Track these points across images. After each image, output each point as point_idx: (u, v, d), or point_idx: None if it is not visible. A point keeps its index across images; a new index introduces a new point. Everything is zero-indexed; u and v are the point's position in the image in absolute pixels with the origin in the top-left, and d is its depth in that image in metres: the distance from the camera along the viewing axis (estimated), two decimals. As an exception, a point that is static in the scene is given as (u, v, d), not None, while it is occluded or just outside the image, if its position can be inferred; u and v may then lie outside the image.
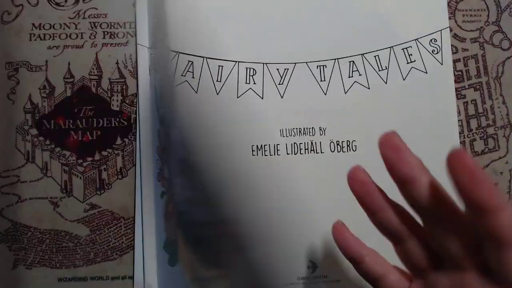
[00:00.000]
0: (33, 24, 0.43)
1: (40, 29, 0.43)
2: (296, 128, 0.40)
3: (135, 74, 0.43)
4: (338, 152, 0.39)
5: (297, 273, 0.38)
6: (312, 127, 0.40)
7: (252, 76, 0.40)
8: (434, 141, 0.41)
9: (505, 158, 0.46)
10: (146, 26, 0.41)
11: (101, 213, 0.41)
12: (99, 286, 0.40)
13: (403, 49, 0.42)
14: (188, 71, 0.39)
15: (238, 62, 0.40)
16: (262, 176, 0.38)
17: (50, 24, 0.43)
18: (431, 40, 0.43)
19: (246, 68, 0.40)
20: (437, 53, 0.42)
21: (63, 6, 0.43)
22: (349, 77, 0.41)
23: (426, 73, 0.42)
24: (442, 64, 0.42)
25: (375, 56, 0.41)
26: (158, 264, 0.39)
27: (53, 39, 0.43)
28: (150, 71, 0.40)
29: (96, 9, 0.43)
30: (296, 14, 0.41)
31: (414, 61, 0.42)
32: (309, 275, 0.38)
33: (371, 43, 0.42)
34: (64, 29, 0.43)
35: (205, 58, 0.39)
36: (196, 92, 0.39)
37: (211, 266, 0.38)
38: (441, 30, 0.43)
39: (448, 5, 0.45)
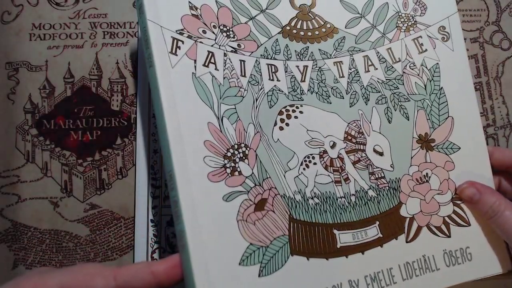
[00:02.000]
0: (33, 24, 0.43)
1: (40, 29, 0.43)
2: None
3: (135, 74, 0.43)
4: None
5: None
6: None
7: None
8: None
9: (505, 158, 0.46)
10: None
11: (101, 213, 0.41)
12: (99, 286, 0.40)
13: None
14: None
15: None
16: None
17: (50, 24, 0.43)
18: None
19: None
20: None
21: (63, 6, 0.43)
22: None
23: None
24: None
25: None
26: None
27: (53, 39, 0.43)
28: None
29: (96, 9, 0.43)
30: None
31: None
32: None
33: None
34: (64, 29, 0.43)
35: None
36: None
37: None
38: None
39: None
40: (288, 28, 0.41)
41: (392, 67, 0.42)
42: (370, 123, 0.40)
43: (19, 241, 0.41)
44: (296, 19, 0.41)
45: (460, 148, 0.41)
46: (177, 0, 0.37)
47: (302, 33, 0.41)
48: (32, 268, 0.40)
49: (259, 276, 0.32)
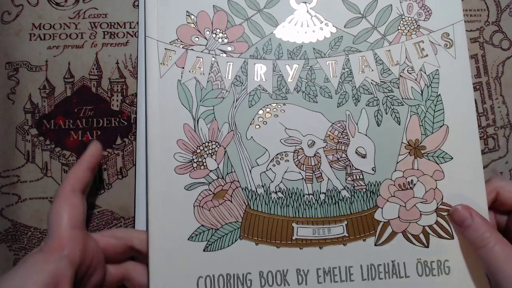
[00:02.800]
0: (33, 24, 0.43)
1: (40, 29, 0.43)
2: None
3: (135, 74, 0.43)
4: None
5: None
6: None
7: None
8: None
9: (505, 158, 0.46)
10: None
11: (101, 213, 0.41)
12: (99, 286, 0.40)
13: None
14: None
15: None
16: None
17: (50, 24, 0.43)
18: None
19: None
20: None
21: (63, 6, 0.43)
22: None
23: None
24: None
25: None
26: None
27: (53, 39, 0.43)
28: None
29: (96, 9, 0.43)
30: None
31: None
32: None
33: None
34: (64, 29, 0.43)
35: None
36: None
37: None
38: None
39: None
40: (283, 26, 0.41)
41: (389, 69, 0.41)
42: (357, 124, 0.40)
43: (19, 241, 0.41)
44: (293, 17, 0.41)
45: (452, 158, 0.40)
46: (176, 9, 0.40)
47: (297, 31, 0.41)
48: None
49: (204, 250, 0.38)
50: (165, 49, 0.40)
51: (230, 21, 0.40)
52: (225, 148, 0.39)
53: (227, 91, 0.40)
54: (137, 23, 0.43)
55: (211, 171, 0.39)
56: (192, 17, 0.40)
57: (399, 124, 0.41)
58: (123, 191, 0.42)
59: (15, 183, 0.41)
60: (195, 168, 0.39)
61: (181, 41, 0.40)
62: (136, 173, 0.41)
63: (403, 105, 0.41)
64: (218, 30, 0.40)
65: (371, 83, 0.41)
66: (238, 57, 0.40)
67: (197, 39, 0.40)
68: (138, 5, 0.43)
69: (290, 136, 0.40)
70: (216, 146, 0.39)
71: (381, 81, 0.41)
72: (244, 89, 0.40)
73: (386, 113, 0.41)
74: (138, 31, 0.43)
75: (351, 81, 0.41)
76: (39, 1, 0.43)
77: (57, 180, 0.41)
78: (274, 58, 0.40)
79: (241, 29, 0.41)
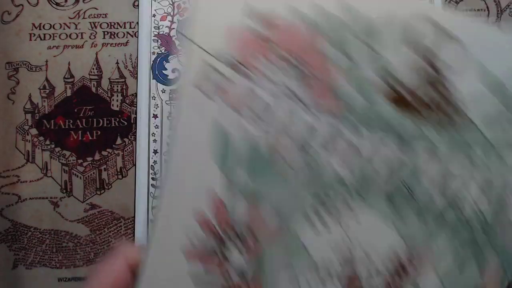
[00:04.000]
0: (33, 24, 0.43)
1: (40, 29, 0.43)
2: None
3: (135, 74, 0.43)
4: None
5: None
6: None
7: None
8: None
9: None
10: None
11: (101, 213, 0.41)
12: (99, 286, 0.40)
13: None
14: None
15: None
16: None
17: (50, 24, 0.43)
18: None
19: None
20: None
21: (63, 6, 0.43)
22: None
23: None
24: None
25: None
26: None
27: (53, 39, 0.43)
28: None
29: (96, 9, 0.43)
30: None
31: None
32: None
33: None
34: (64, 29, 0.43)
35: None
36: None
37: None
38: None
39: (448, 4, 0.45)
40: (401, 88, 0.26)
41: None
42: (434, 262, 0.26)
43: (19, 241, 0.41)
44: (419, 79, 0.26)
45: None
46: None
47: (415, 103, 0.26)
48: (32, 268, 0.40)
49: None
50: (208, 64, 0.24)
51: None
52: (263, 245, 0.25)
53: (292, 169, 0.25)
54: (137, 23, 0.43)
55: (233, 267, 0.25)
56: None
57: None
58: (123, 191, 0.42)
59: (15, 183, 0.41)
60: (212, 259, 0.25)
61: (236, 59, 0.25)
62: (136, 173, 0.41)
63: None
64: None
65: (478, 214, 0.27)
66: (322, 116, 0.25)
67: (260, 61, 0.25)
68: (138, 5, 0.43)
69: (352, 256, 0.26)
70: (252, 237, 0.25)
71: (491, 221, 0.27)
72: (316, 175, 0.25)
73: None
74: (138, 31, 0.43)
75: (459, 207, 0.26)
76: (39, 1, 0.43)
77: (57, 180, 0.41)
78: (381, 136, 0.25)
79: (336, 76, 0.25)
